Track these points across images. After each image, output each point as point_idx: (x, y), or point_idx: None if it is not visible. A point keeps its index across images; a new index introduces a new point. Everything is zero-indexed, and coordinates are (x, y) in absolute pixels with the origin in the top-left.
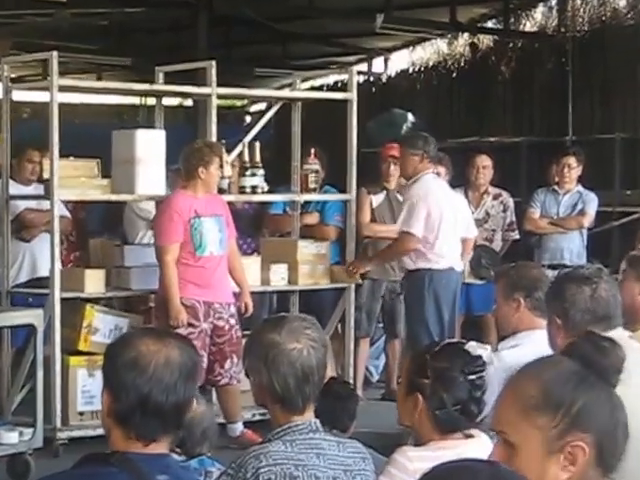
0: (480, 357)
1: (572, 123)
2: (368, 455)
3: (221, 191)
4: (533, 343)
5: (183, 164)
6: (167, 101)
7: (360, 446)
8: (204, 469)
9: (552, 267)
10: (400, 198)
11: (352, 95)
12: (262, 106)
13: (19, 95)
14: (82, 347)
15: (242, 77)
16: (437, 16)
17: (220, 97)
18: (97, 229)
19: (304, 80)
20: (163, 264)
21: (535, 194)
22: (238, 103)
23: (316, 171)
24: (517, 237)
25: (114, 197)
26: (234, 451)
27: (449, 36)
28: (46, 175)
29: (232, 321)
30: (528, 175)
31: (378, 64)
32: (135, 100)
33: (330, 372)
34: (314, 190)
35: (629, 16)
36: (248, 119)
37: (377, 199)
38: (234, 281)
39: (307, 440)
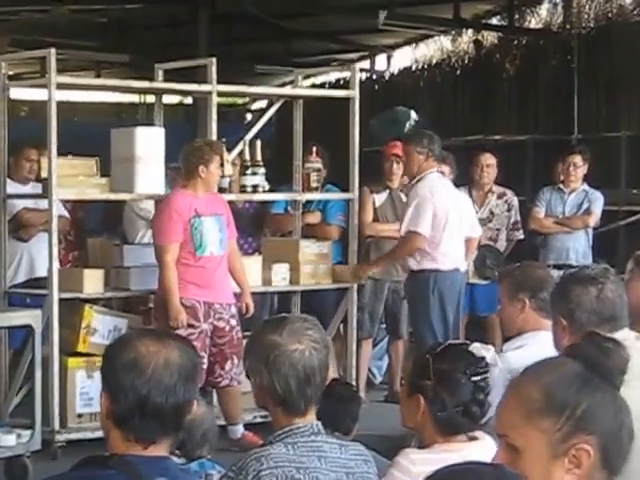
0: (483, 358)
1: (577, 121)
2: (371, 458)
3: (222, 190)
4: (538, 344)
5: (183, 163)
6: (167, 99)
7: (363, 449)
8: (204, 472)
9: (557, 267)
10: (403, 197)
11: (354, 93)
12: (263, 104)
13: (17, 93)
14: (80, 348)
15: (243, 74)
16: (440, 13)
17: (220, 95)
18: (96, 228)
19: (306, 77)
20: (163, 264)
21: (540, 193)
22: (239, 101)
23: (318, 170)
24: (522, 237)
25: (113, 196)
26: (235, 454)
27: (453, 33)
28: (44, 174)
29: (233, 322)
30: (533, 174)
31: (381, 61)
32: (134, 98)
33: (332, 374)
34: (316, 189)
35: (635, 13)
36: (249, 117)
37: (380, 198)
38: (235, 281)
39: (309, 443)
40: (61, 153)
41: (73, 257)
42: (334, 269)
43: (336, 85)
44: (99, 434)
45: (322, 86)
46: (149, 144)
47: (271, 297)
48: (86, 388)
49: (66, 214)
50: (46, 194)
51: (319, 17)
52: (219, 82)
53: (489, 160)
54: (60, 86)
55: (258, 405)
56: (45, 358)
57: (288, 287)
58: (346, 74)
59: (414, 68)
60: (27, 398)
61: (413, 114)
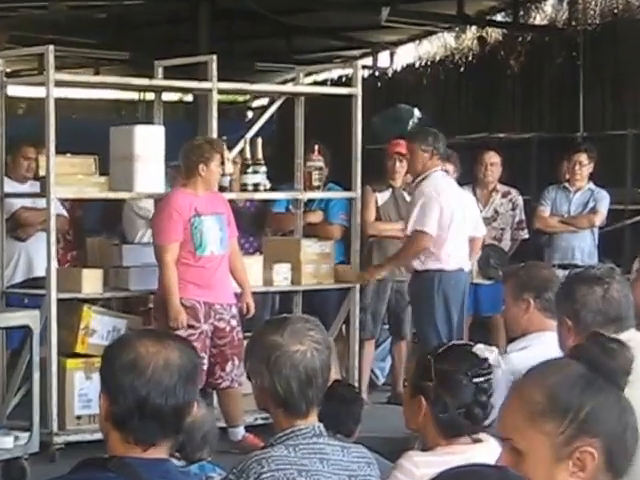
0: (486, 360)
1: (583, 119)
2: (373, 460)
3: (222, 189)
4: (543, 345)
5: (183, 161)
6: (167, 96)
7: (365, 451)
8: (205, 475)
9: (563, 267)
10: (406, 196)
11: (357, 90)
12: (264, 101)
13: (14, 90)
14: (79, 349)
15: (244, 72)
16: (444, 9)
17: (221, 92)
18: (94, 228)
19: (307, 75)
20: (162, 264)
21: (545, 192)
22: (240, 98)
23: (320, 168)
24: (526, 236)
25: (112, 195)
26: (235, 456)
27: (457, 29)
28: (42, 172)
29: (233, 322)
30: (538, 172)
31: (384, 58)
32: (134, 95)
33: (334, 375)
34: (318, 188)
35: None
36: (250, 115)
37: (382, 197)
38: (235, 281)
39: (310, 445)
40: (59, 151)
41: (71, 257)
42: (336, 269)
43: (338, 82)
44: (98, 436)
45: (324, 83)
46: (149, 142)
47: (272, 297)
48: (85, 389)
49: (64, 213)
50: (44, 193)
51: (321, 13)
52: (220, 79)
53: (493, 158)
54: (58, 83)
55: (259, 407)
56: (43, 359)
57: (289, 287)
58: (348, 71)
59: (417, 65)
60: (25, 400)
61: (416, 112)
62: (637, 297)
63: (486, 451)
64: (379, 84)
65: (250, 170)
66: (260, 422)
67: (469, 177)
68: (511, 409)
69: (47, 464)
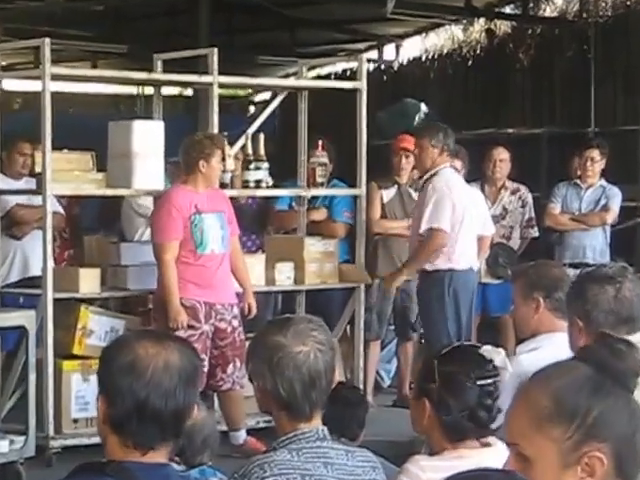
0: (491, 361)
1: (594, 113)
2: (379, 464)
3: (223, 186)
4: (553, 346)
5: (183, 157)
6: (166, 90)
7: (370, 455)
8: (205, 479)
9: (573, 266)
10: (412, 193)
11: (362, 84)
12: (266, 96)
13: (10, 84)
14: (76, 350)
15: (245, 65)
16: (452, 1)
17: (222, 86)
18: (92, 225)
19: (311, 68)
20: (162, 263)
21: (556, 188)
22: (241, 93)
23: (324, 164)
24: (536, 234)
25: (110, 192)
26: (237, 460)
27: (464, 22)
28: (38, 169)
29: (235, 323)
30: (548, 169)
31: (389, 51)
32: (132, 89)
33: (338, 377)
34: (322, 184)
35: None
36: (252, 109)
37: (388, 194)
38: (237, 281)
39: (314, 449)
40: (56, 147)
41: (68, 255)
42: (340, 268)
43: (342, 76)
44: (95, 440)
45: (328, 77)
46: (147, 138)
47: (275, 297)
48: (82, 392)
49: (61, 210)
50: (40, 190)
51: (324, 5)
52: (220, 73)
53: (502, 155)
54: (55, 77)
55: (261, 410)
56: (39, 361)
57: (292, 286)
58: (353, 65)
59: (424, 58)
60: (20, 402)
61: (423, 106)
62: None
63: (495, 455)
64: (385, 78)
65: (252, 166)
66: (262, 425)
67: (477, 174)
68: (517, 414)
69: (43, 469)
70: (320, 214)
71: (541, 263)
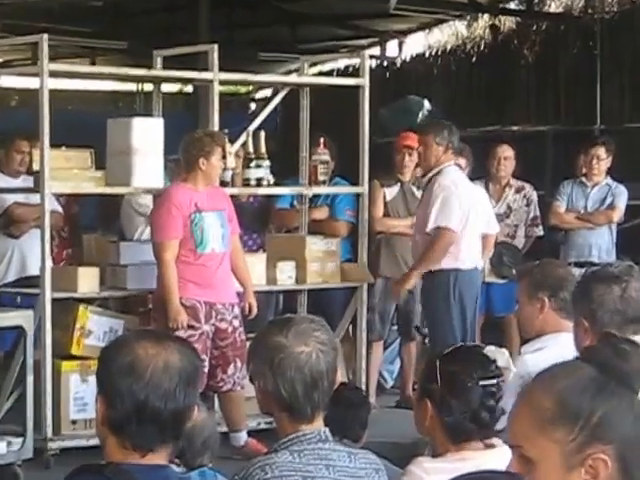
0: (494, 362)
1: (600, 110)
2: (382, 466)
3: (223, 184)
4: (559, 346)
5: (183, 155)
6: (166, 87)
7: (373, 457)
8: None
9: (579, 265)
10: (415, 191)
11: (364, 81)
12: (267, 92)
13: (7, 81)
14: (75, 351)
15: (246, 61)
16: None
17: (223, 83)
18: (91, 224)
19: (312, 65)
20: (161, 262)
21: (561, 187)
22: (242, 89)
23: (326, 162)
24: (541, 233)
25: (109, 190)
26: (238, 462)
27: (468, 17)
28: (36, 166)
29: (235, 323)
30: (553, 166)
31: (392, 48)
32: (131, 86)
33: (341, 377)
34: (323, 182)
35: None
36: (253, 106)
37: (391, 192)
38: (237, 280)
39: (316, 450)
40: (54, 144)
41: (67, 254)
42: (342, 267)
43: (345, 73)
44: (94, 442)
45: (330, 74)
46: (147, 135)
47: (276, 297)
48: (80, 393)
49: (59, 209)
50: (38, 188)
51: (326, 1)
52: (221, 69)
53: (506, 152)
54: (53, 74)
55: (262, 411)
56: (37, 361)
57: (294, 286)
58: (355, 61)
59: (427, 55)
60: (18, 404)
61: (426, 103)
62: None
63: (498, 457)
64: (387, 74)
65: (253, 164)
66: (263, 427)
67: (481, 172)
68: (520, 416)
69: (41, 471)
70: (322, 212)
71: (546, 262)
